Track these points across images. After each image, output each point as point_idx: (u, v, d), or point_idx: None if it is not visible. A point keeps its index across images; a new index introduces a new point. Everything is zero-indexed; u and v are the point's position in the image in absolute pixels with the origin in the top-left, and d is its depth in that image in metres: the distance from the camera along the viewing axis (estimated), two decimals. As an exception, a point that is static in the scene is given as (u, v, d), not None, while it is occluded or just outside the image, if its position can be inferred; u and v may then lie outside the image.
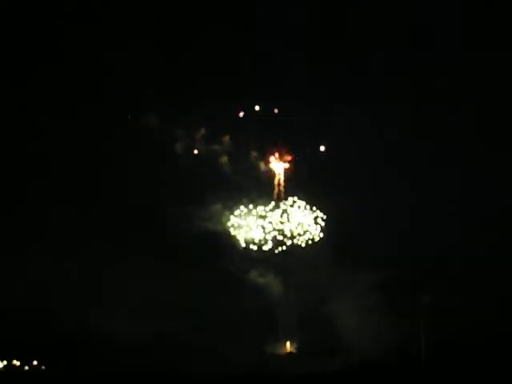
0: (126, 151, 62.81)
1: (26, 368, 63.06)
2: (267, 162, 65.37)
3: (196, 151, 63.96)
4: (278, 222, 64.31)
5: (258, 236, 64.14)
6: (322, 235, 64.15)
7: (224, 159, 63.94)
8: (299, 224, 64.59)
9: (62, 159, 64.17)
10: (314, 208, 64.37)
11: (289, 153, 65.31)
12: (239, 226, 63.85)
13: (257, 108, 63.76)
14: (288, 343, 63.89)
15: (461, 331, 58.89)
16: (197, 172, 62.96)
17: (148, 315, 61.54)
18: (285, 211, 64.58)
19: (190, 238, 61.24)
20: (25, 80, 63.09)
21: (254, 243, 63.76)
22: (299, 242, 63.91)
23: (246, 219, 64.24)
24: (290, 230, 64.38)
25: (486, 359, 57.48)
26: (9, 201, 62.92)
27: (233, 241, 63.55)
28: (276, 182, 65.22)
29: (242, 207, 63.79)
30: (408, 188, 63.31)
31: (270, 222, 64.23)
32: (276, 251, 63.77)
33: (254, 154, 64.86)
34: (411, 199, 62.93)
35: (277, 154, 65.07)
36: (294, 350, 63.56)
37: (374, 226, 62.73)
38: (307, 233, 64.27)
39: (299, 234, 64.25)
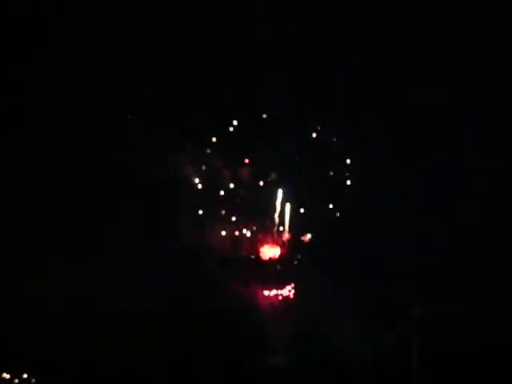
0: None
1: (16, 381, 62.96)
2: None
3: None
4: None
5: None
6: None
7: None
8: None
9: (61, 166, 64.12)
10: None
11: None
12: None
13: None
14: (279, 356, 63.87)
15: (453, 344, 59.01)
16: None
17: (139, 326, 61.64)
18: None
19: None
20: (24, 83, 63.17)
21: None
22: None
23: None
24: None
25: (480, 371, 57.69)
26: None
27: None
28: None
29: None
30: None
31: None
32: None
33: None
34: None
35: None
36: (285, 363, 63.34)
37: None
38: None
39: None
